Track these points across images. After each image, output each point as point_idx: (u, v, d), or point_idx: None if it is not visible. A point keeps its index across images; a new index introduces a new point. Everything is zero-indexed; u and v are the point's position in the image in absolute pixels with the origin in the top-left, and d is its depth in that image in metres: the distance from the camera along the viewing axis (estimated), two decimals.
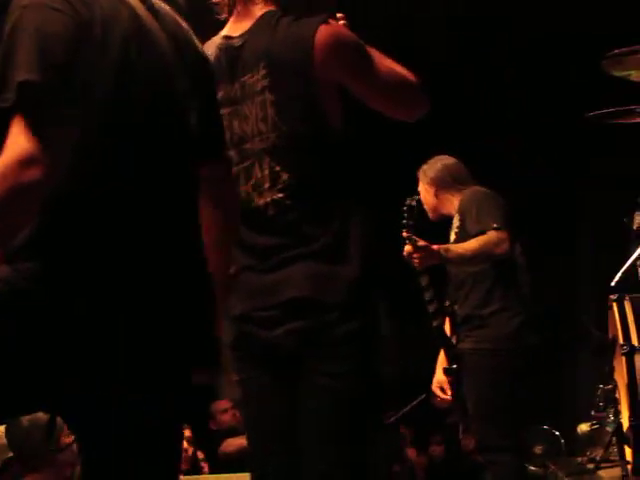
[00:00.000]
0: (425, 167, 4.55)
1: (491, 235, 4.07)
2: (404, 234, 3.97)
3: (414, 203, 4.04)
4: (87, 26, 1.71)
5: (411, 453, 6.73)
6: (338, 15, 2.42)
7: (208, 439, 6.10)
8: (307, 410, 2.38)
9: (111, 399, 1.76)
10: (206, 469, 5.82)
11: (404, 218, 4.03)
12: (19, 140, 1.61)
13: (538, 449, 6.64)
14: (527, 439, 6.79)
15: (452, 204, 4.42)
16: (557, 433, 6.47)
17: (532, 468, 5.59)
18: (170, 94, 1.90)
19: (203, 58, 2.07)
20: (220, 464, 5.81)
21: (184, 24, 2.00)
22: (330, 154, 2.41)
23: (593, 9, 5.67)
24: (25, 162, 1.60)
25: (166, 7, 1.96)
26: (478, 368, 4.23)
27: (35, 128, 1.61)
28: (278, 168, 2.37)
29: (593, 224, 7.11)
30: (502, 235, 4.07)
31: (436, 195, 4.49)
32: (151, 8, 1.91)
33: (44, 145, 1.61)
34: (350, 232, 2.39)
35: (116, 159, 1.77)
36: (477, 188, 4.39)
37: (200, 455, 5.86)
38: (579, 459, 3.93)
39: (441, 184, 4.47)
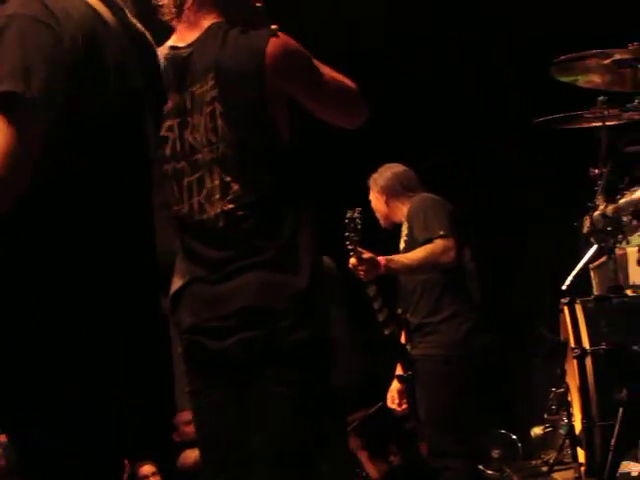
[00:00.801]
0: (375, 175, 4.58)
1: (437, 243, 4.10)
2: (348, 246, 3.98)
3: (355, 215, 4.05)
4: (68, 37, 1.74)
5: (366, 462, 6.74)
6: (272, 26, 2.42)
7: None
8: (258, 418, 2.38)
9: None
10: None
11: (347, 230, 4.04)
12: None
13: (495, 453, 6.67)
14: (484, 443, 6.84)
15: (402, 212, 4.45)
16: (514, 437, 6.51)
17: (489, 472, 5.62)
18: (129, 92, 1.91)
19: (157, 61, 2.09)
20: (177, 477, 5.76)
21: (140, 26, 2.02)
22: (280, 164, 2.42)
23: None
24: None
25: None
26: (429, 374, 4.26)
27: (9, 131, 1.65)
28: (228, 179, 2.37)
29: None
30: (448, 243, 4.10)
31: (387, 203, 4.51)
32: (113, 7, 1.92)
33: (15, 147, 1.65)
34: (300, 242, 2.39)
35: (76, 157, 1.78)
36: (425, 195, 4.42)
37: (150, 469, 5.79)
38: (533, 462, 3.96)
39: (391, 192, 4.49)
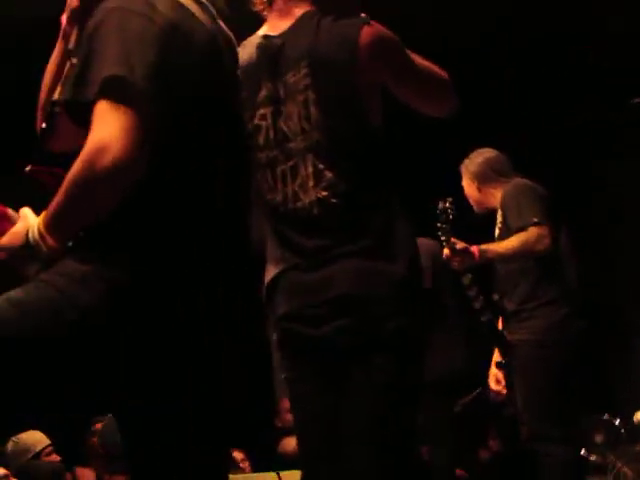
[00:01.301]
0: (467, 161, 4.54)
1: (531, 232, 4.04)
2: (441, 238, 3.95)
3: (447, 205, 4.01)
4: (166, 28, 1.80)
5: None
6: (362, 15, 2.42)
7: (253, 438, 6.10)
8: (356, 406, 2.38)
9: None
10: (248, 469, 5.82)
11: (439, 221, 4.02)
12: (99, 130, 1.68)
13: (598, 438, 6.57)
14: (587, 429, 6.75)
15: (495, 198, 4.40)
16: (617, 422, 6.40)
17: (592, 458, 5.54)
18: (219, 83, 1.96)
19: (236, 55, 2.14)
20: (279, 463, 5.82)
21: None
22: (372, 152, 2.43)
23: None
24: (100, 151, 1.66)
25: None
26: (526, 359, 4.21)
27: (116, 118, 1.68)
28: (322, 166, 2.38)
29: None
30: (542, 231, 4.04)
31: (479, 189, 4.47)
32: (202, 4, 1.98)
33: (122, 135, 1.67)
34: (396, 230, 2.40)
35: (182, 148, 1.83)
36: (518, 180, 4.36)
37: (239, 455, 5.85)
38: (638, 447, 3.87)
39: (482, 178, 4.45)
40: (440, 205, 3.99)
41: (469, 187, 4.52)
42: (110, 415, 3.19)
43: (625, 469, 3.64)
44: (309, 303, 2.40)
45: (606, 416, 6.65)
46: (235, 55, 2.11)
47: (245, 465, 5.91)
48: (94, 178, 1.66)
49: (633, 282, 6.99)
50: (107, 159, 1.65)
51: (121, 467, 4.45)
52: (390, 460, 2.37)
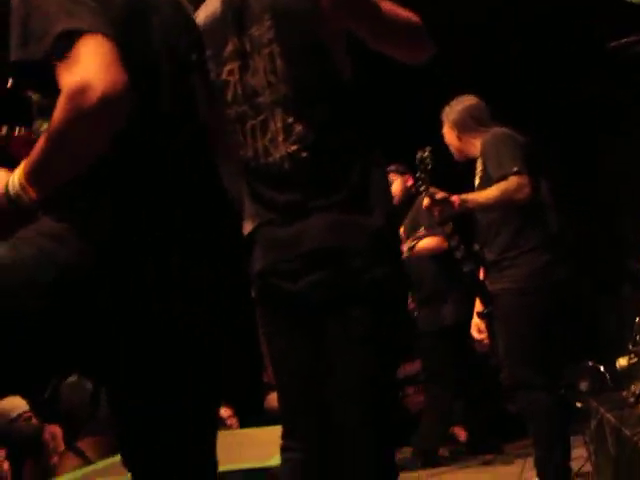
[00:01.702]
0: (447, 109, 4.51)
1: (511, 181, 4.02)
2: (420, 187, 3.93)
3: (425, 154, 3.98)
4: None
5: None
6: None
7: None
8: (335, 360, 2.38)
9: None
10: (235, 426, 5.84)
11: (418, 171, 3.99)
12: (74, 72, 1.63)
13: (583, 385, 6.61)
14: (572, 376, 6.79)
15: (475, 146, 4.38)
16: (602, 369, 6.43)
17: (577, 404, 5.57)
18: (178, 50, 1.93)
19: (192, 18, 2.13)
20: (265, 418, 5.85)
21: None
22: (343, 102, 2.38)
23: None
24: (83, 90, 1.60)
25: None
26: (508, 307, 4.22)
27: (90, 56, 1.63)
28: (291, 120, 2.34)
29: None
30: (523, 180, 4.02)
31: (459, 138, 4.45)
32: None
33: (103, 70, 1.62)
34: (371, 183, 2.37)
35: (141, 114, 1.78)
36: (498, 130, 4.34)
37: (227, 412, 5.87)
38: (622, 394, 3.88)
39: (462, 126, 4.42)
40: (419, 154, 3.96)
41: (449, 135, 4.50)
42: (75, 375, 3.17)
43: (608, 415, 3.64)
44: (284, 258, 2.39)
45: (591, 363, 6.69)
46: (193, 22, 2.08)
47: (233, 422, 5.94)
48: (82, 118, 1.61)
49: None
50: (93, 96, 1.59)
51: (89, 428, 4.51)
52: (371, 412, 2.37)
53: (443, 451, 6.09)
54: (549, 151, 4.62)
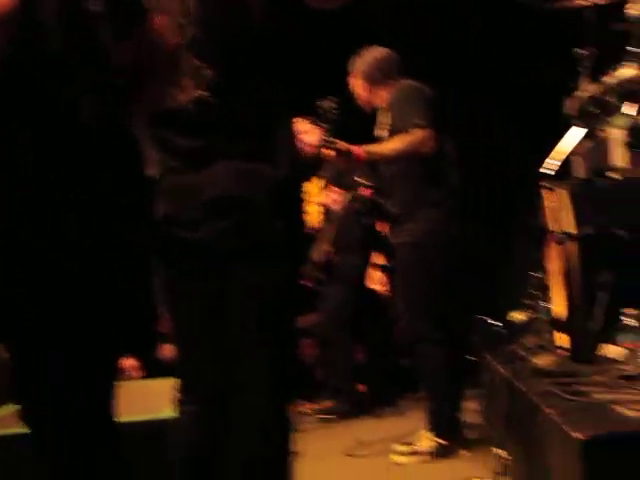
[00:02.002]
0: (356, 59, 4.47)
1: (415, 134, 4.02)
2: (323, 138, 3.89)
3: (328, 104, 3.94)
4: None
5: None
6: None
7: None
8: (234, 308, 2.35)
9: None
10: (138, 375, 5.76)
11: (321, 121, 3.94)
12: None
13: (478, 339, 6.71)
14: (466, 330, 6.89)
15: (382, 98, 4.35)
16: (496, 322, 6.53)
17: (471, 358, 5.64)
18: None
19: None
20: (159, 369, 5.77)
21: None
22: (255, 47, 2.32)
23: None
24: None
25: None
26: (408, 261, 4.24)
27: None
28: (201, 63, 2.27)
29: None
30: (426, 133, 4.03)
31: (368, 89, 4.41)
32: None
33: None
34: (276, 132, 2.33)
35: None
36: (404, 83, 4.32)
37: (132, 363, 5.78)
38: (515, 347, 3.95)
39: (370, 78, 4.39)
40: (323, 104, 3.91)
41: (357, 86, 4.46)
42: None
43: (501, 369, 3.69)
44: (187, 205, 2.34)
45: (485, 317, 6.79)
46: None
47: (138, 374, 5.85)
48: None
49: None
50: None
51: None
52: (269, 362, 2.38)
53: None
54: (509, 130, 4.63)
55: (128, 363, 5.69)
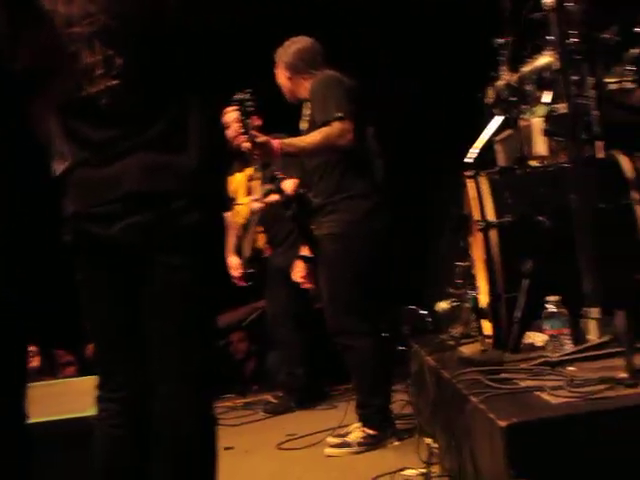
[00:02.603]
0: (280, 50, 4.45)
1: (334, 126, 4.00)
2: (240, 130, 3.85)
3: (245, 97, 3.90)
4: None
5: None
6: None
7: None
8: (152, 305, 2.33)
9: None
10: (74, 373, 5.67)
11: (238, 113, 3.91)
12: None
13: (406, 329, 6.74)
14: (395, 320, 6.92)
15: (305, 89, 4.33)
16: (424, 312, 6.57)
17: (401, 348, 5.66)
18: None
19: None
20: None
21: None
22: (167, 37, 2.28)
23: None
24: None
25: None
26: (331, 253, 4.23)
27: None
28: (111, 52, 2.22)
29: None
30: (346, 126, 4.01)
31: (290, 79, 4.39)
32: None
33: None
34: (188, 121, 2.29)
35: None
36: (326, 73, 4.30)
37: (67, 358, 5.69)
38: (442, 337, 3.97)
39: (293, 68, 4.37)
40: (238, 96, 3.87)
41: (281, 76, 4.44)
42: None
43: (428, 358, 3.70)
44: (99, 201, 2.29)
45: (414, 306, 6.83)
46: None
47: (72, 369, 5.76)
48: None
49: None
50: None
51: None
52: (191, 359, 2.37)
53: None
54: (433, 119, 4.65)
55: (63, 356, 5.60)
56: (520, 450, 2.21)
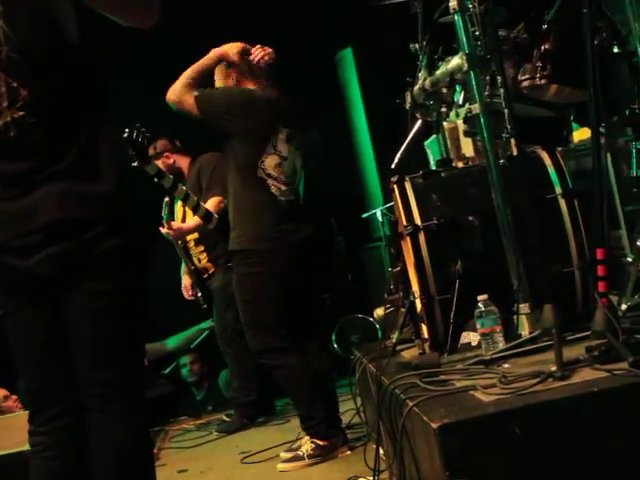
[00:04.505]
0: None
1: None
2: (135, 164, 3.85)
3: (134, 133, 3.90)
4: None
5: None
6: None
7: None
8: (78, 334, 2.32)
9: None
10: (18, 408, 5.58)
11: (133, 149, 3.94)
12: None
13: (355, 338, 6.79)
14: (344, 330, 6.96)
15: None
16: (371, 319, 6.61)
17: (351, 357, 5.69)
18: None
19: None
20: None
21: None
22: (71, 66, 2.27)
23: None
24: None
25: None
26: (238, 273, 4.26)
27: None
28: (15, 84, 2.21)
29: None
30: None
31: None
32: None
33: None
34: (101, 147, 2.28)
35: None
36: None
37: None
38: (383, 343, 3.98)
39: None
40: (125, 134, 3.86)
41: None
42: None
43: (370, 365, 3.72)
44: (17, 233, 2.27)
45: (360, 315, 6.88)
46: None
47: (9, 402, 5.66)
48: None
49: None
50: None
51: None
52: (119, 385, 2.35)
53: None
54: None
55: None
56: (454, 450, 2.23)
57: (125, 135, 3.88)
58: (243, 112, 4.19)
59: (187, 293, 6.04)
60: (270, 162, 4.24)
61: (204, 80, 4.19)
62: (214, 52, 4.25)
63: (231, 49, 4.23)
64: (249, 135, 4.20)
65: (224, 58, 4.25)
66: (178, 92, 4.14)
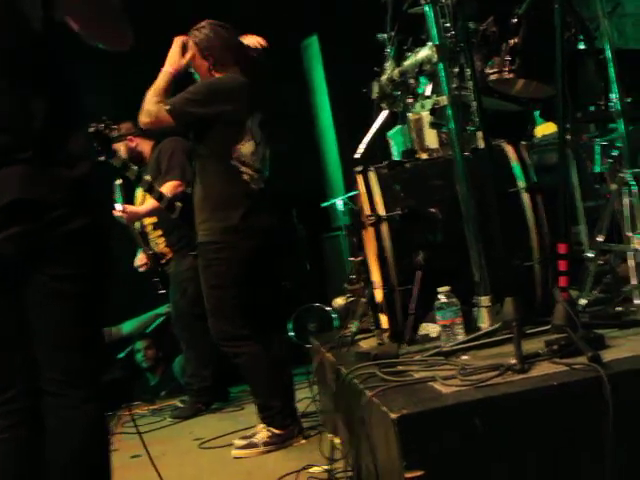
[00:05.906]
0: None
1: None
2: (101, 158, 3.82)
3: (100, 127, 3.86)
4: None
5: None
6: None
7: None
8: (39, 318, 2.29)
9: None
10: None
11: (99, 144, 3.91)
12: None
13: (312, 327, 6.79)
14: (301, 318, 6.95)
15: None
16: (328, 309, 6.62)
17: (308, 346, 5.69)
18: None
19: None
20: None
21: None
22: (36, 54, 2.25)
23: None
24: None
25: None
26: (204, 261, 4.26)
27: None
28: None
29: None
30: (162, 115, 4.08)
31: None
32: None
33: None
34: (70, 136, 2.27)
35: None
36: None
37: None
38: (339, 332, 3.98)
39: None
40: (92, 128, 3.83)
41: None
42: None
43: (328, 354, 3.71)
44: None
45: (318, 304, 6.88)
46: None
47: None
48: None
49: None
50: None
51: None
52: (79, 370, 2.33)
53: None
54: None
55: None
56: (412, 441, 2.22)
57: (91, 129, 3.84)
58: (213, 100, 4.17)
59: (140, 263, 5.97)
60: (247, 149, 4.23)
61: (169, 94, 4.15)
62: (165, 67, 4.20)
63: (174, 52, 4.21)
64: (224, 122, 4.18)
65: (178, 68, 4.21)
66: (151, 113, 4.09)
